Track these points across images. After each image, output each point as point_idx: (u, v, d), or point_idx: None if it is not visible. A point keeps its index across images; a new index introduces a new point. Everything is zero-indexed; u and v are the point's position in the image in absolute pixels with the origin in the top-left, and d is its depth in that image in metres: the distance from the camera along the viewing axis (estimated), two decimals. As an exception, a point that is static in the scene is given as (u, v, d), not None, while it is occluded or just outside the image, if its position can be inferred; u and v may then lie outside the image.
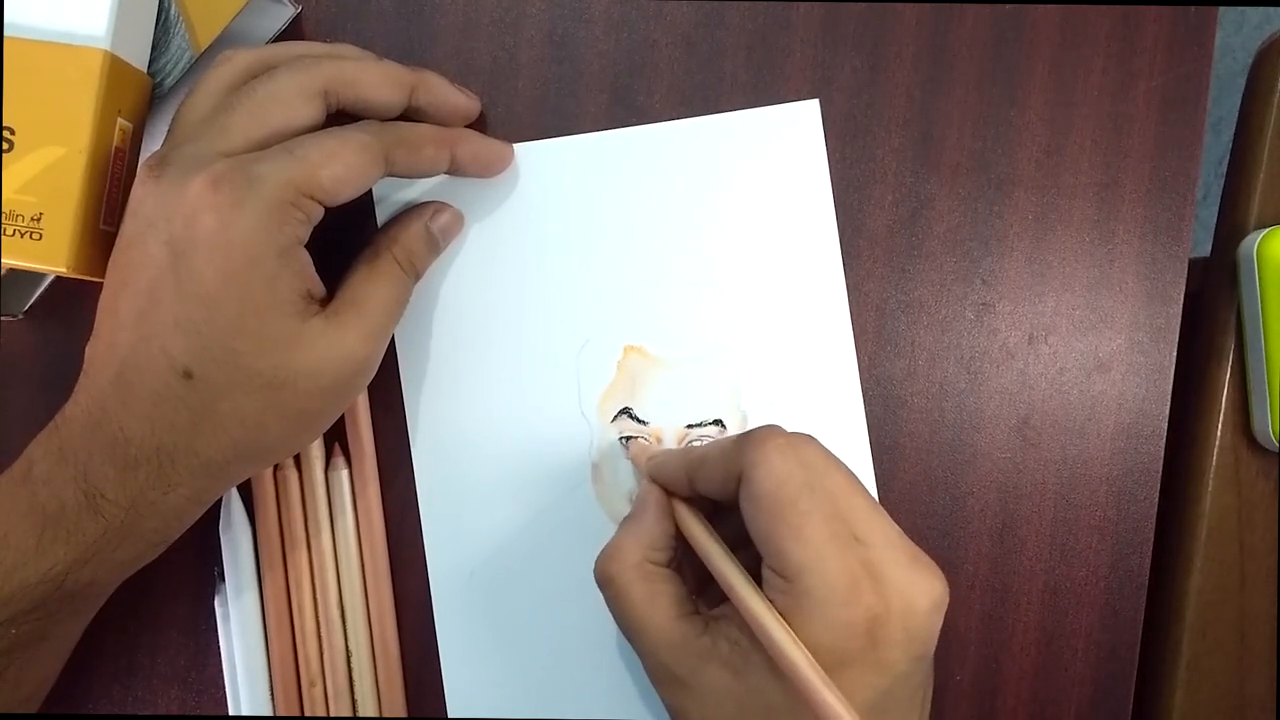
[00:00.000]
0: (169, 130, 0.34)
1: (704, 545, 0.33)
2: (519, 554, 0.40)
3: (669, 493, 0.36)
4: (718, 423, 0.40)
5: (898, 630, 0.30)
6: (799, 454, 0.31)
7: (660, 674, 0.33)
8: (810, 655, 0.29)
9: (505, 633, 0.40)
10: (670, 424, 0.40)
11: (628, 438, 0.40)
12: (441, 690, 0.40)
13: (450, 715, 0.40)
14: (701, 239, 0.40)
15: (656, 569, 0.34)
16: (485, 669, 0.40)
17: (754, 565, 0.32)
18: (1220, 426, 0.46)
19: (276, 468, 0.40)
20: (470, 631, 0.40)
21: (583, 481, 0.40)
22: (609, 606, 0.34)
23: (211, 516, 0.39)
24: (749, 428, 0.39)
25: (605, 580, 0.34)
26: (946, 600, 0.31)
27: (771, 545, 0.30)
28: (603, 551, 0.35)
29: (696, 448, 0.36)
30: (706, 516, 0.35)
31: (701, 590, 0.36)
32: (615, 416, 0.40)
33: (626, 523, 0.36)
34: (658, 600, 0.33)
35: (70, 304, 0.40)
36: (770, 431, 0.32)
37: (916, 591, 0.30)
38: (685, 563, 0.36)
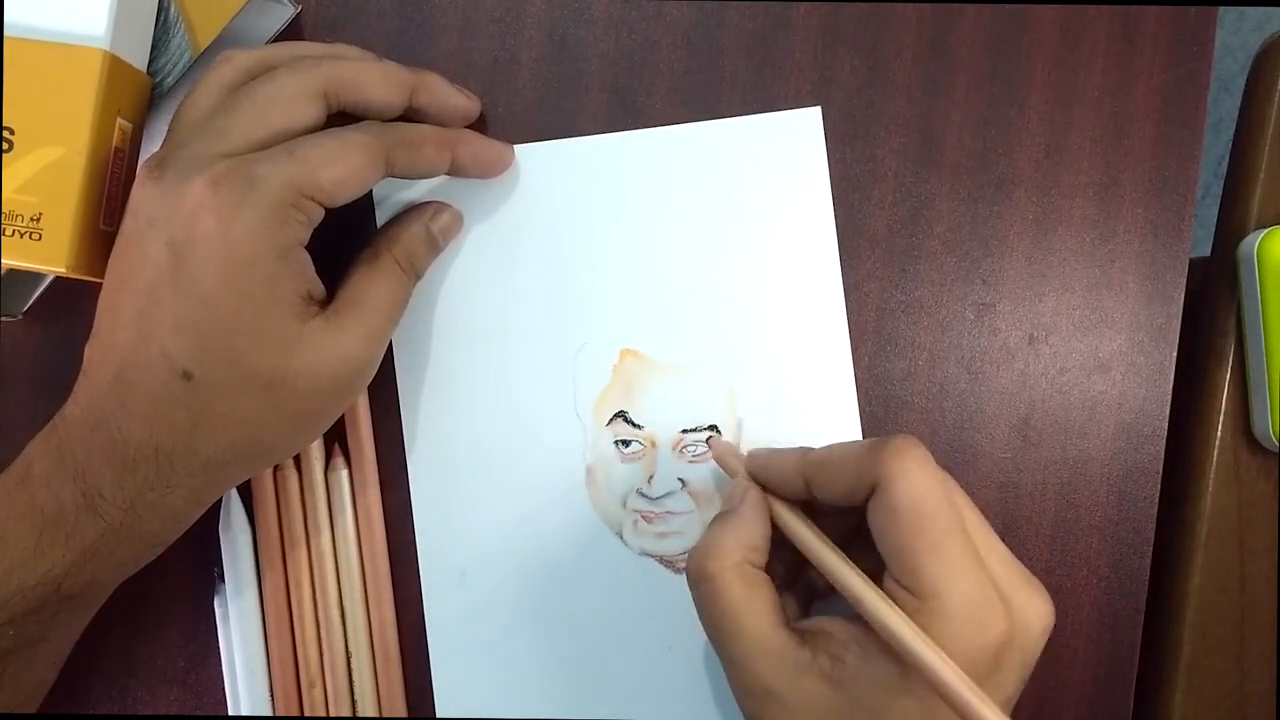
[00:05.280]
0: (168, 131, 0.34)
1: (819, 551, 0.32)
2: (511, 555, 0.40)
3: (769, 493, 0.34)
4: (713, 428, 0.40)
5: (1016, 654, 0.30)
6: (936, 468, 0.30)
7: (750, 683, 0.31)
8: (960, 670, 0.28)
9: (495, 634, 0.40)
10: (665, 428, 0.40)
11: (710, 429, 0.39)
12: (441, 691, 0.40)
13: (440, 716, 0.40)
14: (700, 244, 0.40)
15: (755, 572, 0.33)
16: (475, 670, 0.40)
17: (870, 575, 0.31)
18: (1220, 426, 0.46)
19: (276, 468, 0.40)
20: (461, 633, 0.40)
21: (577, 484, 0.40)
22: (699, 606, 0.33)
23: (211, 517, 0.39)
24: (744, 434, 0.39)
25: (702, 577, 0.32)
26: (1053, 623, 0.31)
27: (907, 561, 0.30)
28: (698, 547, 0.33)
29: (814, 450, 0.34)
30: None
31: (788, 599, 0.34)
32: (610, 420, 0.40)
33: (724, 519, 0.34)
34: (756, 605, 0.32)
35: (70, 304, 0.40)
36: (909, 442, 0.31)
37: (1034, 615, 0.30)
38: (773, 570, 0.34)
